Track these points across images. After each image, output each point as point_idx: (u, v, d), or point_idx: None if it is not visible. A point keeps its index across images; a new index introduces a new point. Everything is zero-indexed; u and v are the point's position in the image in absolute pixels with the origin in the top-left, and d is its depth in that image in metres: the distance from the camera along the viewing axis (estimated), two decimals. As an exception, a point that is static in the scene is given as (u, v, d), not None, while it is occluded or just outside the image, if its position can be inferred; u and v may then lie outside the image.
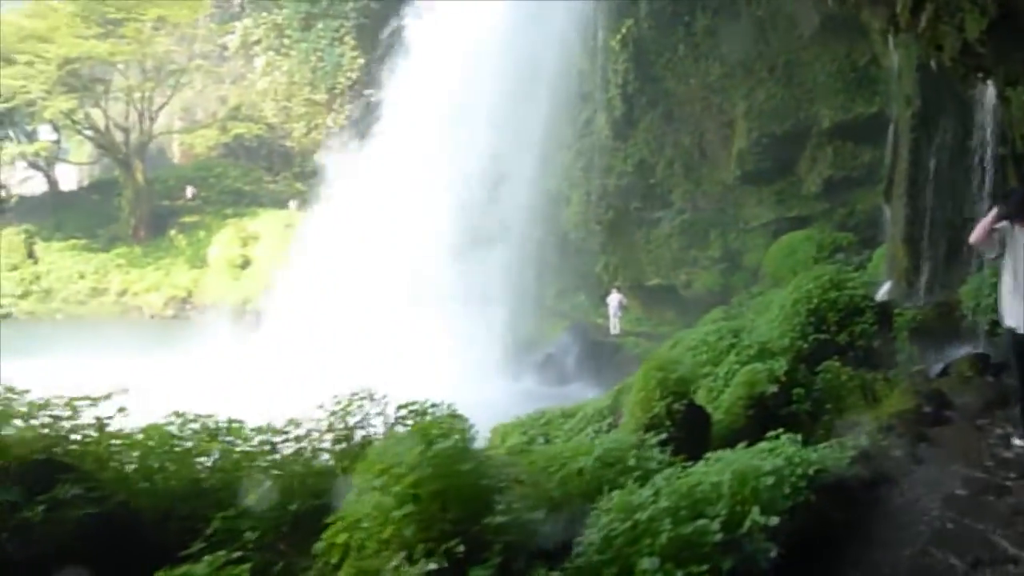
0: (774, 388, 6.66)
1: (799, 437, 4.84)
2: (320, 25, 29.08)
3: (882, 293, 11.24)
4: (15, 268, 34.66)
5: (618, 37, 20.84)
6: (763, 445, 4.80)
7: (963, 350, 8.78)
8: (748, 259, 20.19)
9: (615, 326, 24.23)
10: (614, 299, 24.26)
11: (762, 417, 6.58)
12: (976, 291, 9.20)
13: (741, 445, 4.95)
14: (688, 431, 5.78)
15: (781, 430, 4.92)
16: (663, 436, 5.39)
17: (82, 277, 35.52)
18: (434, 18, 20.64)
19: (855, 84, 16.10)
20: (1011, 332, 5.73)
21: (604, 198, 23.92)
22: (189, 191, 39.29)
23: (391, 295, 20.55)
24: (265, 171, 40.74)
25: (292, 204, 36.52)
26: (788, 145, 18.20)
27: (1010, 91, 6.45)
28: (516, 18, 19.51)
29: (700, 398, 7.85)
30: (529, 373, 22.68)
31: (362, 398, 4.09)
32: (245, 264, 35.94)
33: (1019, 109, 7.42)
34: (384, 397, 4.36)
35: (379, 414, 4.12)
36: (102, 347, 24.14)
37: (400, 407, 4.25)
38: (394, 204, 21.36)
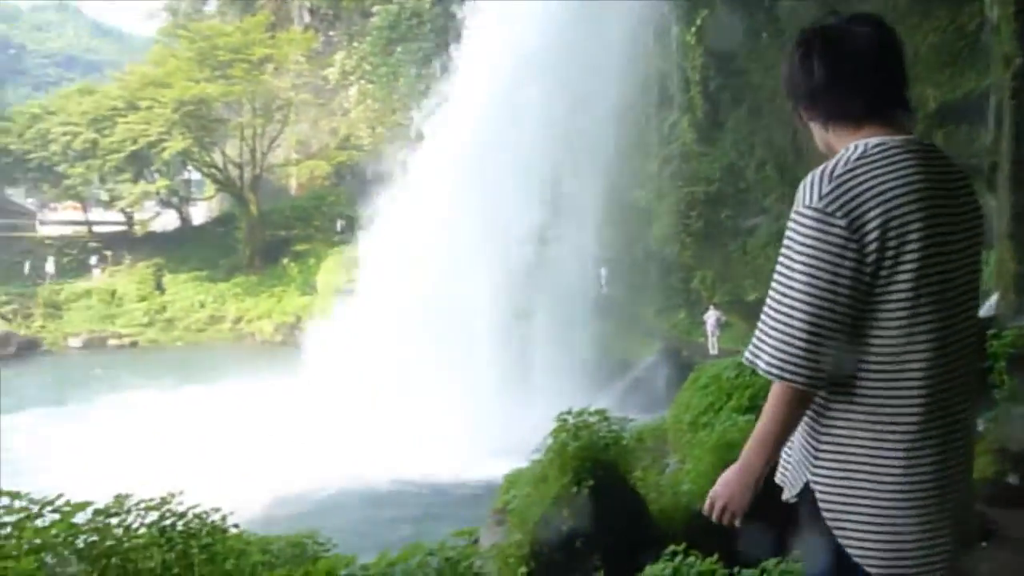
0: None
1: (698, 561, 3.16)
2: (399, 49, 29.02)
3: (988, 307, 8.80)
4: (143, 299, 37.11)
5: (693, 30, 18.90)
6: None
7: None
8: (854, 268, 17.44)
9: (714, 345, 22.37)
10: (711, 317, 22.49)
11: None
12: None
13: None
14: (605, 522, 4.16)
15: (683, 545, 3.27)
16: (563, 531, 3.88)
17: (202, 306, 37.47)
18: (487, 23, 19.54)
19: (964, 55, 13.31)
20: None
21: (694, 208, 21.93)
22: (338, 224, 40.42)
23: (461, 317, 19.62)
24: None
25: None
26: (892, 134, 15.45)
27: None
28: (578, 18, 18.06)
29: (691, 460, 6.10)
30: (613, 399, 21.07)
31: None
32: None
33: None
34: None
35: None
36: (193, 373, 24.91)
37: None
38: (459, 220, 20.41)
